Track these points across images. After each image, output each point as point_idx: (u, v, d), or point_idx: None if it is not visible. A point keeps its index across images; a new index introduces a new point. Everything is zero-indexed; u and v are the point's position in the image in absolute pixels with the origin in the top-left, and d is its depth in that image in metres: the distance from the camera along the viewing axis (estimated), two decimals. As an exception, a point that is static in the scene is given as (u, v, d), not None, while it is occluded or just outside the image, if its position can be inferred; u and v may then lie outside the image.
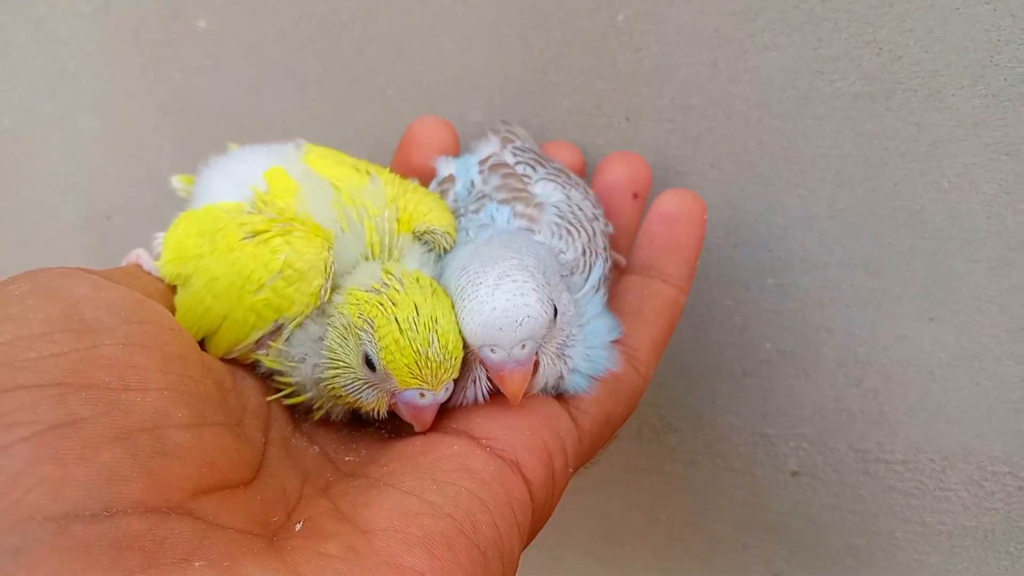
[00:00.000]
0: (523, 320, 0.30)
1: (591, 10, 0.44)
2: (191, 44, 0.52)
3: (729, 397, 0.50)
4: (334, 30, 0.48)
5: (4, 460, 0.22)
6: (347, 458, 0.33)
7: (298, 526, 0.27)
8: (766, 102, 0.43)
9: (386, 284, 0.32)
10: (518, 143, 0.41)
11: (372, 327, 0.31)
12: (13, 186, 0.58)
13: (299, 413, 0.35)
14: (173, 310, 0.33)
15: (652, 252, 0.40)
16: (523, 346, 0.31)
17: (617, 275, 0.41)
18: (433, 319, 0.31)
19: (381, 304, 0.31)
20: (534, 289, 0.31)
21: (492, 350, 0.31)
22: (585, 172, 0.44)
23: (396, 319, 0.31)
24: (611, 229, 0.40)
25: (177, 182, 0.40)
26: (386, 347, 0.30)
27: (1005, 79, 0.39)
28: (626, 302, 0.38)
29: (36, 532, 0.21)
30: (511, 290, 0.31)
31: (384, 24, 0.47)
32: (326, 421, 0.34)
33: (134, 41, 0.53)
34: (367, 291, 0.32)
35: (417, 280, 0.32)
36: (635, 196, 0.42)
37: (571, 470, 0.33)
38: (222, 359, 0.33)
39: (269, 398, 0.33)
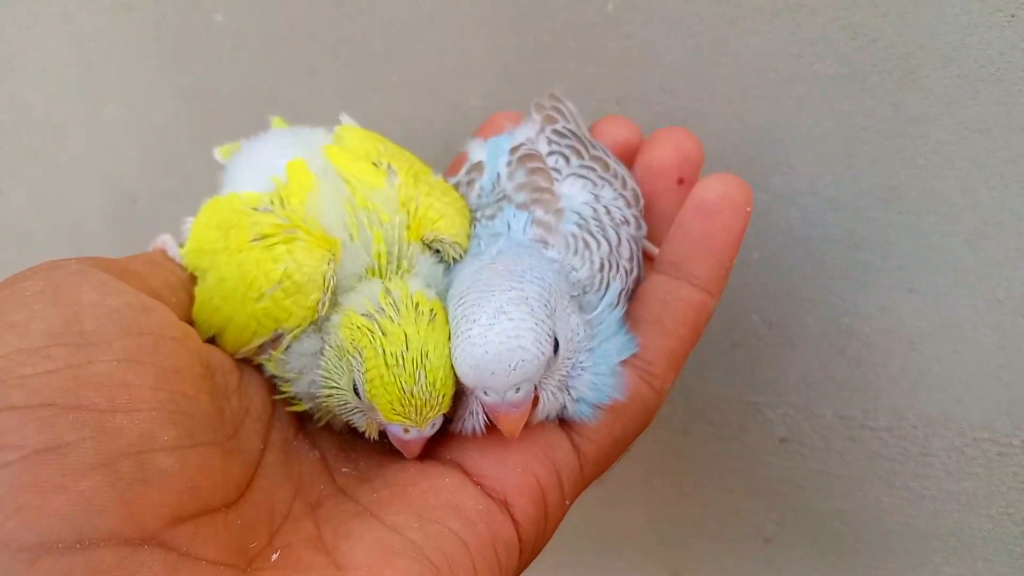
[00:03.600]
0: (517, 364, 0.29)
1: (581, 0, 0.46)
2: (209, 36, 0.55)
3: (718, 367, 0.51)
4: (341, 23, 0.51)
5: None
6: (344, 468, 0.33)
7: (275, 556, 0.27)
8: (747, 85, 0.44)
9: (382, 309, 0.31)
10: (560, 124, 0.39)
11: (361, 356, 0.30)
12: (46, 171, 0.62)
13: (304, 415, 0.34)
14: (192, 299, 0.33)
15: (683, 248, 0.36)
16: (517, 389, 0.29)
17: (648, 268, 0.38)
18: (423, 354, 0.29)
19: (371, 332, 0.30)
20: (531, 328, 0.29)
21: (485, 392, 0.30)
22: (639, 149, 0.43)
23: (384, 351, 0.29)
24: (644, 231, 0.37)
25: (219, 156, 0.40)
26: (371, 380, 0.30)
27: (975, 60, 0.41)
28: (647, 308, 0.35)
29: (8, 563, 0.22)
30: (506, 330, 0.29)
31: (387, 16, 0.50)
32: (329, 427, 0.34)
33: (156, 35, 0.56)
34: (362, 315, 0.31)
35: (416, 305, 0.31)
36: (680, 182, 0.38)
37: (568, 502, 0.32)
38: (234, 356, 0.33)
39: (276, 397, 0.33)
